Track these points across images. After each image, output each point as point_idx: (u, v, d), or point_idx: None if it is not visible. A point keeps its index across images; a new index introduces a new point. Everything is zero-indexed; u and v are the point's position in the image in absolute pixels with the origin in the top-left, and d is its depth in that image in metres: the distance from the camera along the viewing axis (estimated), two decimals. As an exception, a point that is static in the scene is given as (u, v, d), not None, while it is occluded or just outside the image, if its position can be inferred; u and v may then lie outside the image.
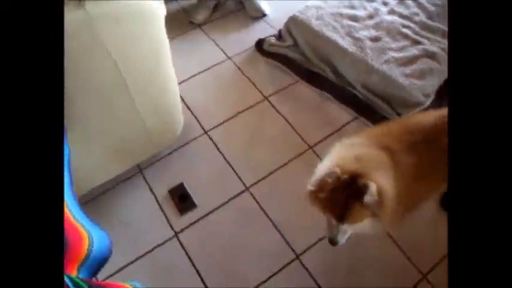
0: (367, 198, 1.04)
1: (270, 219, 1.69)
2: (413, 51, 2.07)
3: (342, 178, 1.07)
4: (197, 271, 1.57)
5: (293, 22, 2.23)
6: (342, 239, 1.17)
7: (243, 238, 1.65)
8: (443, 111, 1.35)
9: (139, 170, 1.83)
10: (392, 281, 1.56)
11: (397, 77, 1.93)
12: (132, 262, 1.60)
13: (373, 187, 1.04)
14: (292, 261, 1.59)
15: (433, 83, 1.95)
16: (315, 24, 2.17)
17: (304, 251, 1.61)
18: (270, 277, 1.56)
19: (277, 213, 1.70)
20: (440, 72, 2.00)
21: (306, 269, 1.58)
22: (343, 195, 1.08)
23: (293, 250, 1.62)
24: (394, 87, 1.92)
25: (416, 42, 2.11)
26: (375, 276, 1.57)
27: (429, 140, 1.25)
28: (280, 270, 1.57)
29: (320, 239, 1.63)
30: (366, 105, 1.97)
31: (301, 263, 1.59)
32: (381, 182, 1.09)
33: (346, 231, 1.16)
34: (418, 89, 1.90)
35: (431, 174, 1.27)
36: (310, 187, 1.16)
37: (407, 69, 1.98)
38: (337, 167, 1.09)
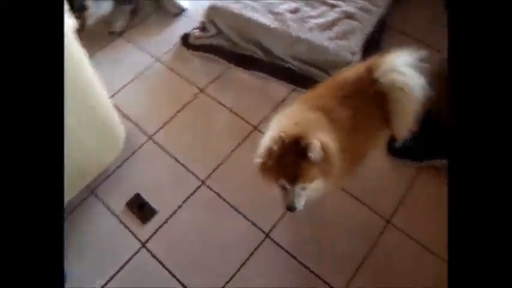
0: (312, 154, 1.09)
1: (232, 206, 1.70)
2: (333, 14, 2.13)
3: (287, 141, 1.11)
4: (174, 276, 1.56)
5: (213, 11, 2.22)
6: (299, 204, 1.19)
7: (210, 231, 1.65)
8: (367, 63, 1.41)
9: (91, 190, 1.77)
10: (360, 233, 1.62)
11: (322, 42, 1.99)
12: (106, 284, 1.55)
13: (315, 143, 1.09)
14: (263, 240, 1.62)
15: (357, 42, 2.03)
16: (234, 8, 2.18)
17: (272, 228, 1.64)
18: (246, 260, 1.57)
19: (237, 199, 1.71)
20: (362, 29, 2.08)
21: (278, 244, 1.61)
22: (290, 157, 1.12)
23: (261, 230, 1.64)
24: (322, 52, 1.97)
25: (334, 6, 2.17)
26: (343, 234, 1.62)
27: (359, 92, 1.30)
28: (253, 251, 1.59)
29: (283, 214, 1.66)
30: (300, 75, 2.01)
31: (272, 240, 1.62)
32: (323, 139, 1.13)
33: (301, 195, 1.18)
34: (344, 49, 1.97)
35: (368, 124, 1.33)
36: (258, 160, 1.18)
37: (331, 33, 2.04)
38: (281, 133, 1.13)
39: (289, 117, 1.25)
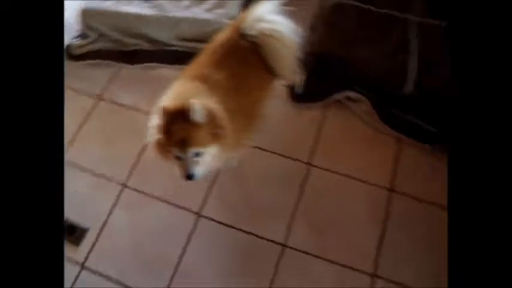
0: (194, 115, 1.11)
1: (158, 197, 1.69)
2: (205, -14, 2.12)
3: (170, 112, 1.13)
4: (122, 284, 1.54)
5: (86, 14, 2.14)
6: (197, 171, 1.20)
7: (144, 228, 1.64)
8: (233, 21, 1.43)
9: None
10: (286, 183, 1.68)
11: (201, 16, 2.00)
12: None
13: (194, 103, 1.11)
14: (197, 220, 1.63)
15: (234, 6, 2.05)
16: (107, 5, 2.11)
17: (202, 206, 1.66)
18: (186, 245, 1.59)
19: (160, 190, 1.71)
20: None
21: (212, 219, 1.63)
22: (176, 126, 1.14)
23: (192, 211, 1.65)
24: (203, 25, 1.98)
25: (204, -22, 2.16)
26: (271, 189, 1.68)
27: (231, 51, 1.33)
28: (191, 234, 1.61)
29: (209, 188, 1.69)
30: (189, 54, 1.98)
31: (205, 217, 1.64)
32: (204, 102, 1.14)
33: (198, 162, 1.19)
34: (224, 16, 1.99)
35: (250, 79, 1.35)
36: (150, 141, 1.19)
37: (207, 5, 2.05)
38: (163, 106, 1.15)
39: (170, 94, 1.26)
